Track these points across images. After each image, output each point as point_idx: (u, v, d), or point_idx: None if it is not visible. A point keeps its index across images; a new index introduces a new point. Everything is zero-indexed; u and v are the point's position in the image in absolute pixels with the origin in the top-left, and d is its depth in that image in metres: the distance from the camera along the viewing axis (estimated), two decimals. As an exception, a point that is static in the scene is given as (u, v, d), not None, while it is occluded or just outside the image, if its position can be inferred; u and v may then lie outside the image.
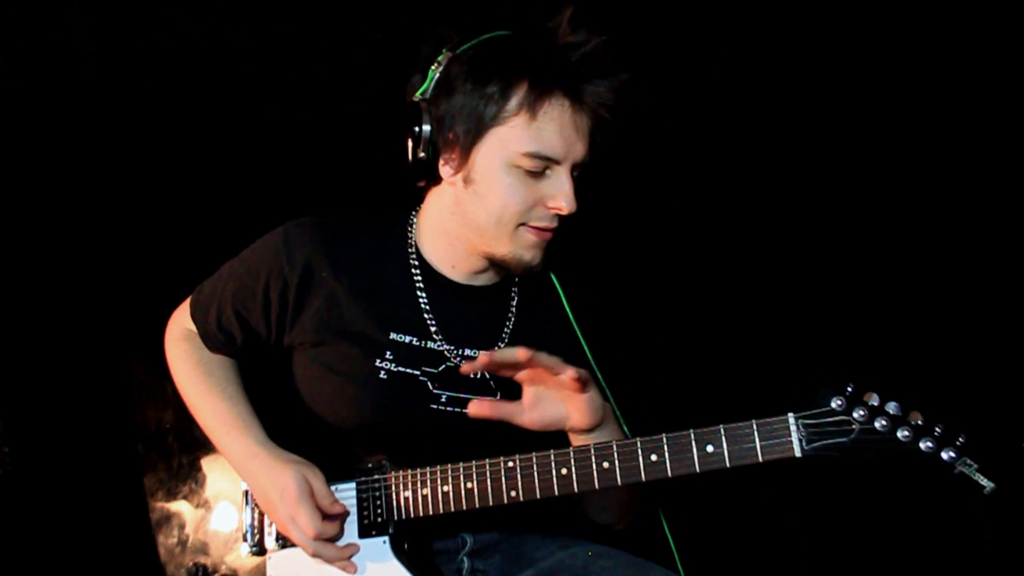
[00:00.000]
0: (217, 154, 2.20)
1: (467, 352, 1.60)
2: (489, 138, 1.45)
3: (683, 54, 2.25)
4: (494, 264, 1.57)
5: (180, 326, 1.73)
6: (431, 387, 1.58)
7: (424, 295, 1.60)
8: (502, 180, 1.45)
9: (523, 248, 1.50)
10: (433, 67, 1.47)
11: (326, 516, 1.49)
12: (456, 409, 1.59)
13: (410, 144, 1.50)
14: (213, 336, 1.68)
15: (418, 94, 1.48)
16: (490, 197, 1.47)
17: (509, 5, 1.41)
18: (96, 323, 2.14)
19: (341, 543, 1.52)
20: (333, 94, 2.18)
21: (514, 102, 1.42)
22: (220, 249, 1.70)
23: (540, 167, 1.44)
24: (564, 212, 1.46)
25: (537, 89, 1.41)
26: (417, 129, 1.48)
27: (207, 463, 1.71)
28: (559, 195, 1.45)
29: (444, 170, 1.51)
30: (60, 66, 2.00)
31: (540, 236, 1.49)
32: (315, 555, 1.50)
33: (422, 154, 1.49)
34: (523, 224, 1.48)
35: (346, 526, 1.54)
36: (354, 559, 1.52)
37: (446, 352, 1.59)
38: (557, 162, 1.44)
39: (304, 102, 2.19)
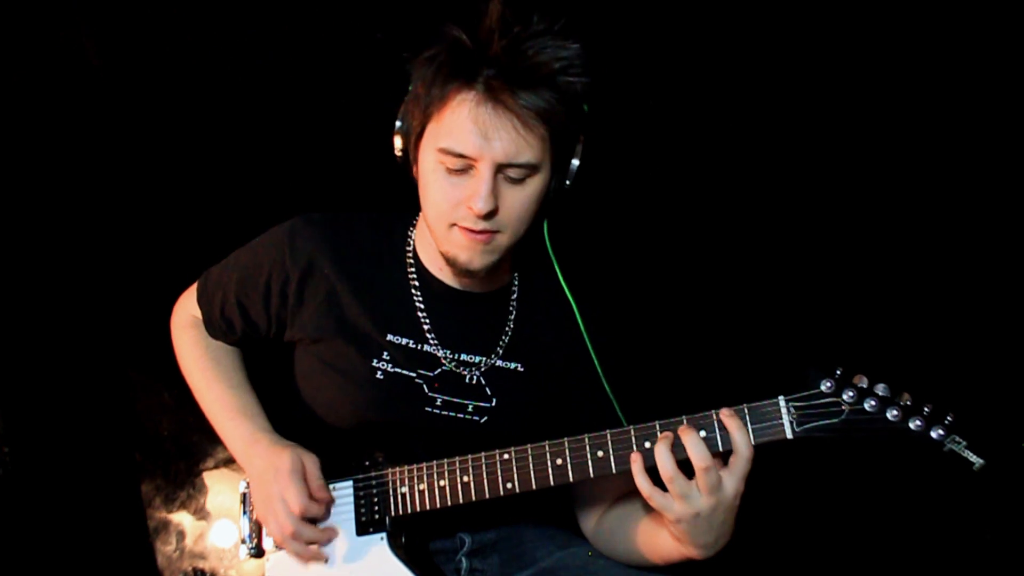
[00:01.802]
0: (220, 159, 2.22)
1: (463, 357, 1.60)
2: (424, 136, 1.44)
3: (646, 48, 2.26)
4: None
5: (186, 312, 1.75)
6: (426, 390, 1.58)
7: (420, 298, 1.60)
8: (430, 177, 1.44)
9: (456, 248, 1.47)
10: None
11: (313, 499, 1.49)
12: (450, 413, 1.59)
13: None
14: (216, 323, 1.70)
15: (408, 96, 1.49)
16: (426, 194, 1.47)
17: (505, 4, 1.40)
18: (96, 327, 2.14)
19: (335, 543, 1.52)
20: (333, 94, 2.20)
21: (435, 99, 1.39)
22: (222, 256, 1.71)
23: (460, 165, 1.40)
24: (476, 213, 1.40)
25: (448, 85, 1.37)
26: (394, 133, 1.49)
27: (204, 469, 1.72)
28: (473, 195, 1.39)
29: (414, 168, 1.51)
30: (60, 66, 2.03)
31: (469, 238, 1.44)
32: (294, 535, 1.48)
33: (399, 153, 1.50)
34: (455, 224, 1.45)
35: (343, 524, 1.54)
36: (351, 556, 1.52)
37: (441, 356, 1.60)
38: (474, 160, 1.39)
39: (304, 103, 2.21)
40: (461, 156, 1.39)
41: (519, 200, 1.43)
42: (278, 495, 1.47)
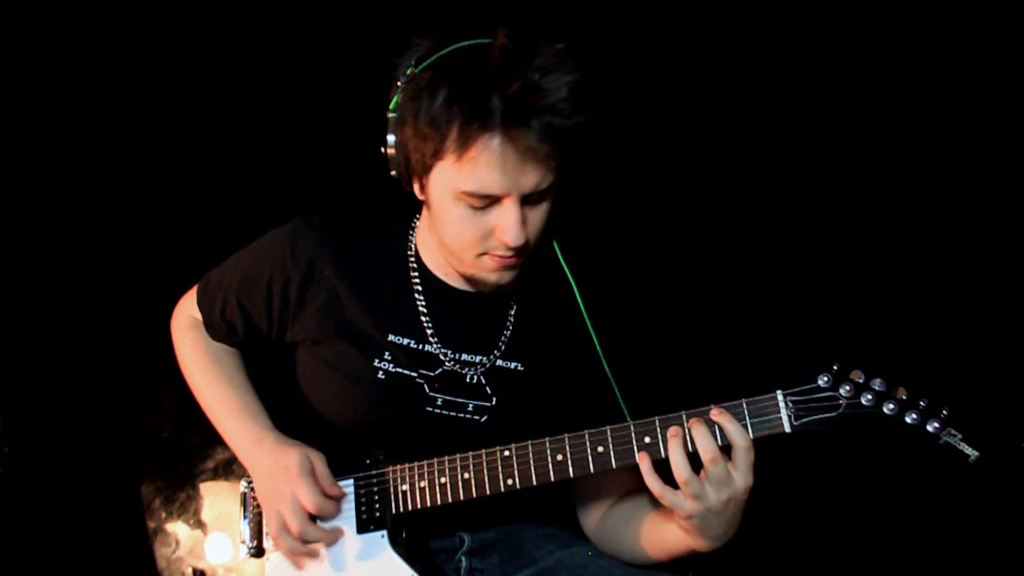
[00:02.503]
0: (220, 160, 2.22)
1: (463, 357, 1.61)
2: (436, 169, 1.41)
3: (646, 48, 2.27)
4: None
5: (187, 314, 1.76)
6: (427, 390, 1.59)
7: (422, 298, 1.61)
8: (452, 211, 1.42)
9: (485, 272, 1.48)
10: (400, 82, 1.43)
11: (326, 496, 1.49)
12: (451, 412, 1.60)
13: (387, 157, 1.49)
14: (216, 325, 1.70)
15: (390, 109, 1.45)
16: (447, 225, 1.44)
17: (505, 5, 1.39)
18: (96, 327, 2.14)
19: (338, 541, 1.53)
20: (333, 94, 2.20)
21: (449, 141, 1.35)
22: (222, 258, 1.72)
23: (485, 203, 1.39)
24: (511, 245, 1.40)
25: (466, 131, 1.33)
26: (383, 148, 1.47)
27: (204, 470, 1.72)
28: (505, 229, 1.39)
29: (415, 187, 1.49)
30: (60, 66, 2.04)
31: (499, 263, 1.45)
32: (300, 535, 1.48)
33: (393, 172, 1.48)
34: (484, 253, 1.45)
35: (344, 522, 1.54)
36: (352, 554, 1.52)
37: (442, 356, 1.60)
38: (502, 196, 1.38)
39: (304, 103, 2.21)
40: (486, 196, 1.38)
41: (540, 218, 1.44)
42: (288, 494, 1.47)
